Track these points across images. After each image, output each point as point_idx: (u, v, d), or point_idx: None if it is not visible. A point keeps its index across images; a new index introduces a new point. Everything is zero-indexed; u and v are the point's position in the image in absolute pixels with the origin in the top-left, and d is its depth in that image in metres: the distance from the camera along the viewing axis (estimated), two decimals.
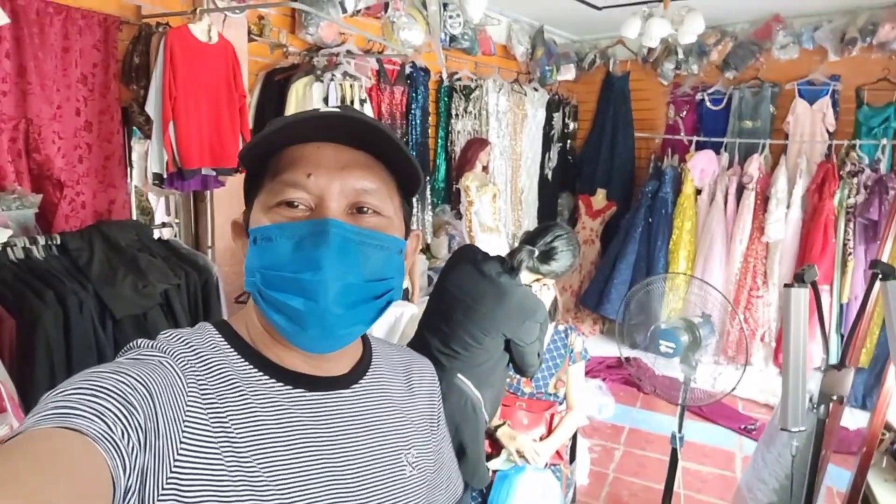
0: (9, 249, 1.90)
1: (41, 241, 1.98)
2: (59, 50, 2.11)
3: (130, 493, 0.47)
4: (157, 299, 2.08)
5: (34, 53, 2.04)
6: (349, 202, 0.61)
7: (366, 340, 0.75)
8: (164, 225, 2.43)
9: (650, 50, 4.81)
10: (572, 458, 2.27)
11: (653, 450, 3.32)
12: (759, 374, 4.24)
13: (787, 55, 4.27)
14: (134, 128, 2.45)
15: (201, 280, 2.27)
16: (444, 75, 4.07)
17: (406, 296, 3.29)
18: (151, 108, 2.27)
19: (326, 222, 0.58)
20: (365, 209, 0.62)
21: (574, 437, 2.25)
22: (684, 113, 4.91)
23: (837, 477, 2.58)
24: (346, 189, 0.60)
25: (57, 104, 2.13)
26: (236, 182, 2.59)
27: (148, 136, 2.34)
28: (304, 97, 2.90)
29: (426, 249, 3.87)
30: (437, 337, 1.82)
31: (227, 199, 2.69)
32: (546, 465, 1.99)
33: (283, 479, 0.57)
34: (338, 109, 0.62)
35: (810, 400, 1.44)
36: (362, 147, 0.62)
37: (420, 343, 1.86)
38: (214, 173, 2.48)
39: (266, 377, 0.62)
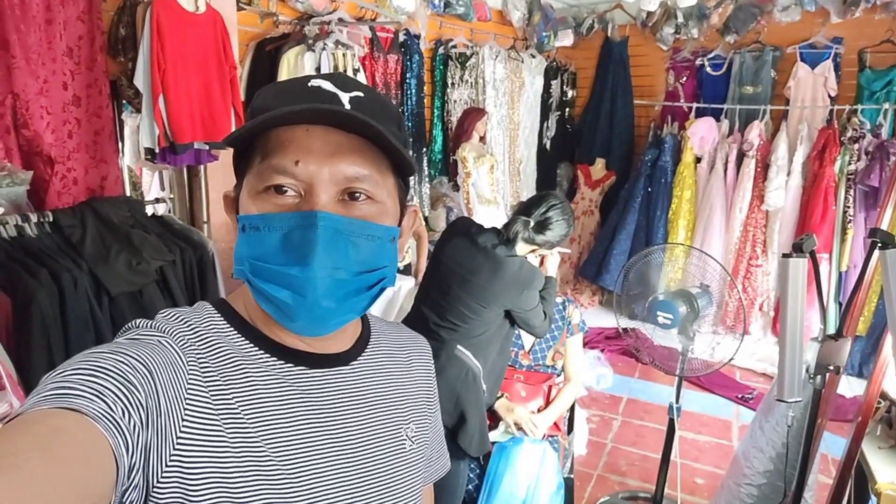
0: (1, 227, 1.88)
1: (33, 218, 1.96)
2: (43, 22, 2.06)
3: (134, 470, 0.48)
4: (152, 276, 2.07)
5: (16, 26, 1.98)
6: (340, 189, 0.59)
7: (364, 317, 0.75)
8: (157, 201, 2.41)
9: (649, 14, 4.72)
10: (570, 430, 2.29)
11: (651, 419, 3.35)
12: (757, 344, 4.26)
13: (789, 17, 4.18)
14: (125, 102, 2.41)
15: (196, 256, 2.25)
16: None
17: (409, 270, 3.28)
18: (140, 81, 2.23)
19: (315, 215, 0.56)
20: (357, 195, 0.59)
21: (572, 409, 2.26)
22: (684, 79, 4.83)
23: (833, 444, 2.61)
24: (336, 176, 0.58)
25: (43, 78, 2.09)
26: (230, 156, 2.54)
27: (138, 110, 2.30)
28: (295, 67, 2.85)
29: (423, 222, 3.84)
30: (434, 311, 1.82)
31: (221, 173, 2.66)
32: (544, 436, 2.01)
33: (287, 455, 0.59)
34: (329, 83, 0.60)
35: (807, 370, 1.44)
36: (354, 130, 0.59)
37: (417, 317, 1.86)
38: (207, 147, 2.45)
39: (267, 355, 0.62)
